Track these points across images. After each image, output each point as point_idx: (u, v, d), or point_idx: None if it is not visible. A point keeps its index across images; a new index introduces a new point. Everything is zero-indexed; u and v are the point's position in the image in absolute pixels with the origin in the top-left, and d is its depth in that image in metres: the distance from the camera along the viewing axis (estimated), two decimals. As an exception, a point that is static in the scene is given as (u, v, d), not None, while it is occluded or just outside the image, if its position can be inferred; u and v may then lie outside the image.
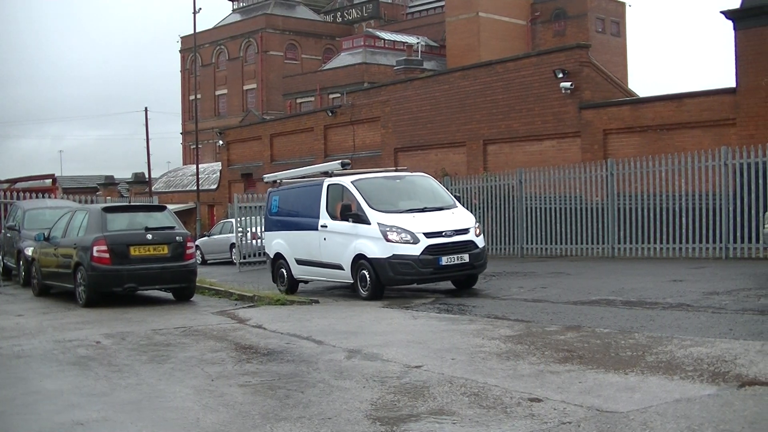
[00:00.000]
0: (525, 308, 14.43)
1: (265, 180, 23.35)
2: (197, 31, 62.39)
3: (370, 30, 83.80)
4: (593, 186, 25.94)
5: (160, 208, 20.25)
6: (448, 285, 18.59)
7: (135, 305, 17.79)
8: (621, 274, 19.52)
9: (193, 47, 68.61)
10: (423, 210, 17.90)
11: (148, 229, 17.94)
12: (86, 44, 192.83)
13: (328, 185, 18.98)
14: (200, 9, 59.24)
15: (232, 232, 34.10)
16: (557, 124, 31.80)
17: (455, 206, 18.53)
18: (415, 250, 16.85)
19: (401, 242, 16.93)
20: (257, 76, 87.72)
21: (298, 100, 77.30)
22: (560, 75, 31.16)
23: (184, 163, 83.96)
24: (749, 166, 21.87)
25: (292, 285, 20.38)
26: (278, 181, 22.03)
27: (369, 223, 17.38)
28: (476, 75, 36.03)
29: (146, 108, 69.26)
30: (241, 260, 31.77)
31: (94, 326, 14.31)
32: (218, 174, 57.82)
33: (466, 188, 29.23)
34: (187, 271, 18.28)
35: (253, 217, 32.55)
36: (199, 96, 77.97)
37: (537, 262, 24.52)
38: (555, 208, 26.88)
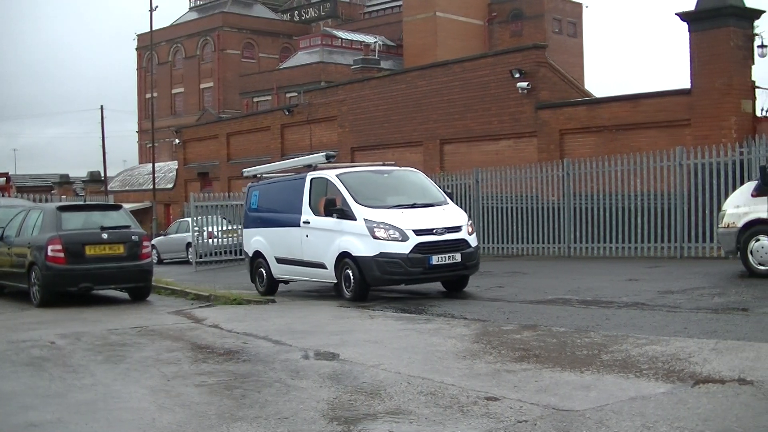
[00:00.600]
0: (481, 307, 14.47)
1: (245, 174, 22.20)
2: (154, 29, 62.03)
3: (328, 29, 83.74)
4: (549, 186, 26.09)
5: (116, 207, 20.09)
6: (435, 287, 17.83)
7: (90, 305, 17.65)
8: (577, 274, 19.64)
9: (149, 45, 68.30)
10: (412, 206, 16.81)
11: (103, 228, 17.80)
12: (40, 41, 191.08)
13: (312, 179, 18.01)
14: (157, 7, 58.96)
15: (189, 232, 33.93)
16: (514, 124, 31.94)
17: (446, 203, 17.49)
18: (404, 248, 15.84)
19: (389, 239, 15.92)
20: (214, 74, 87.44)
21: (255, 99, 77.13)
22: (517, 75, 31.29)
23: (140, 162, 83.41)
24: (703, 166, 22.11)
25: (271, 285, 19.47)
26: (258, 175, 21.13)
27: (355, 219, 16.39)
28: (433, 75, 36.13)
29: (102, 106, 68.78)
30: (198, 260, 31.61)
31: (49, 326, 14.17)
32: (174, 173, 57.57)
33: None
34: (143, 271, 18.16)
35: (209, 217, 32.40)
36: (155, 94, 77.52)
37: (493, 262, 24.58)
38: (511, 207, 27.02)
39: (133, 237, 18.06)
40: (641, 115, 27.46)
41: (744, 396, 7.20)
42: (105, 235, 17.65)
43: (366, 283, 16.37)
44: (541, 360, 9.32)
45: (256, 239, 19.86)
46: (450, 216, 16.82)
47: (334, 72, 70.42)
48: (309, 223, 17.66)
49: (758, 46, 25.52)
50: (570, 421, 6.74)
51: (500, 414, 7.06)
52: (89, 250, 17.40)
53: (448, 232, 16.31)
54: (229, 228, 32.80)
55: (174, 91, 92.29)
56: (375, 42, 71.02)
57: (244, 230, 21.10)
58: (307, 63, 74.57)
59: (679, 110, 25.98)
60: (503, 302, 15.07)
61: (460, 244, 16.41)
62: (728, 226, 16.64)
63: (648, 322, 11.65)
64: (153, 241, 34.06)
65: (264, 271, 19.51)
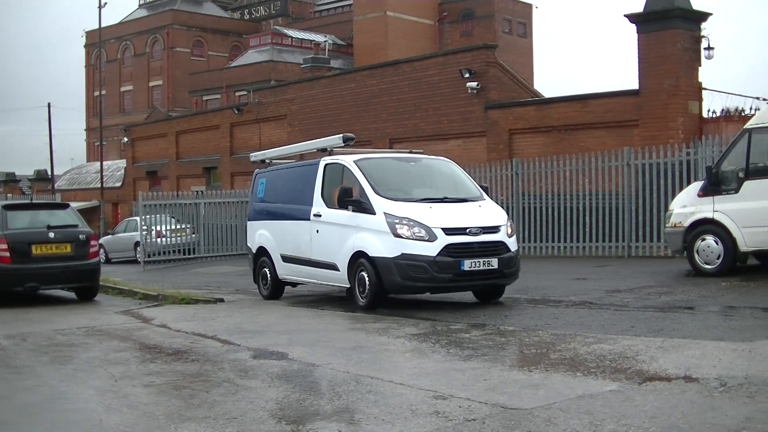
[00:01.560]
0: (430, 306, 14.50)
1: (252, 159, 19.89)
2: (102, 26, 61.56)
3: (278, 28, 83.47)
4: (499, 185, 26.20)
5: (63, 206, 19.94)
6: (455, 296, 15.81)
7: (37, 305, 17.47)
8: (525, 273, 19.64)
9: (98, 42, 67.76)
10: (443, 200, 14.64)
11: (50, 227, 17.63)
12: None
13: (326, 165, 15.93)
14: (105, 3, 58.52)
15: (137, 231, 33.69)
16: (463, 123, 31.98)
17: (483, 198, 15.17)
18: (431, 249, 13.56)
19: (414, 239, 13.67)
20: (163, 72, 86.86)
21: (205, 98, 76.72)
22: (467, 75, 31.30)
23: (88, 161, 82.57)
24: (651, 166, 22.37)
25: (276, 288, 17.62)
26: (267, 160, 19.09)
27: (373, 213, 14.22)
28: (383, 74, 36.10)
29: (49, 104, 68.05)
30: (146, 259, 31.40)
31: (-6, 326, 14.03)
32: (123, 171, 57.09)
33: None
34: (91, 270, 18.02)
35: (158, 216, 32.18)
36: (103, 92, 76.79)
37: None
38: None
39: (80, 236, 17.91)
40: (590, 115, 27.61)
41: (690, 393, 7.27)
42: (52, 234, 17.48)
43: (384, 289, 14.20)
44: (489, 359, 9.35)
45: (260, 233, 17.92)
46: (487, 214, 14.54)
47: (284, 71, 70.22)
48: (320, 216, 15.64)
49: (705, 48, 25.76)
50: (518, 419, 6.77)
51: (449, 413, 7.07)
52: (36, 250, 17.23)
53: (484, 233, 14.01)
54: (178, 227, 32.65)
55: (123, 89, 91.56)
56: (325, 41, 70.92)
57: (248, 223, 19.07)
58: (256, 62, 74.31)
59: (627, 111, 26.16)
60: (451, 301, 15.11)
61: (498, 248, 14.11)
62: (675, 225, 16.82)
63: (596, 321, 11.74)
64: (101, 240, 33.74)
65: (268, 272, 17.63)
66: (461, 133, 32.06)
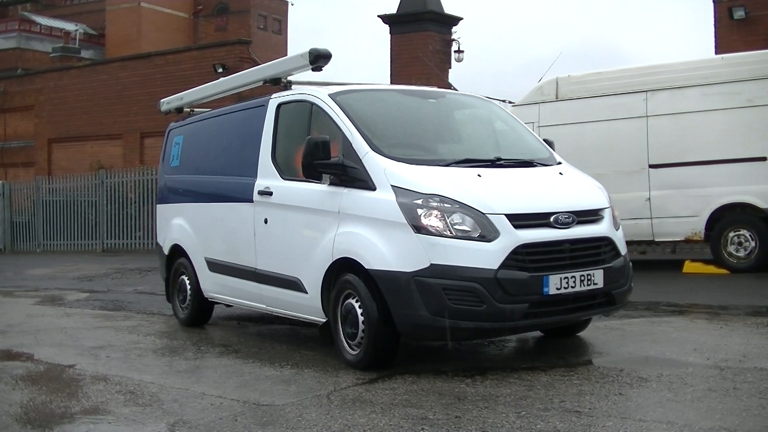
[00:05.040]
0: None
1: (164, 108, 13.55)
2: None
3: (26, 14, 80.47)
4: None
5: None
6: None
7: None
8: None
9: None
10: (494, 163, 8.37)
11: None
12: None
13: (280, 105, 9.70)
14: None
15: None
16: (216, 118, 31.84)
17: (557, 161, 9.00)
18: (489, 256, 7.37)
19: (453, 236, 7.42)
20: None
21: (-55, 85, 73.22)
22: (220, 70, 31.16)
23: None
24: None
25: (200, 310, 11.42)
26: (188, 108, 12.94)
27: (372, 187, 7.90)
28: (135, 66, 35.62)
29: None
30: None
31: None
32: None
33: (122, 182, 28.85)
34: None
35: None
36: None
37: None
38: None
39: None
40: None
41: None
42: None
43: (394, 331, 7.81)
44: (241, 356, 9.36)
45: (175, 223, 11.69)
46: (575, 187, 8.53)
47: (33, 59, 67.78)
48: (271, 194, 9.27)
49: (455, 51, 26.63)
50: (270, 415, 6.79)
51: (201, 410, 7.02)
52: None
53: (579, 222, 7.94)
54: None
55: None
56: (76, 30, 68.82)
57: (158, 207, 12.67)
58: (2, 49, 71.39)
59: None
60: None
61: (602, 249, 8.06)
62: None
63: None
64: None
65: (188, 282, 11.41)
66: (214, 128, 31.88)
